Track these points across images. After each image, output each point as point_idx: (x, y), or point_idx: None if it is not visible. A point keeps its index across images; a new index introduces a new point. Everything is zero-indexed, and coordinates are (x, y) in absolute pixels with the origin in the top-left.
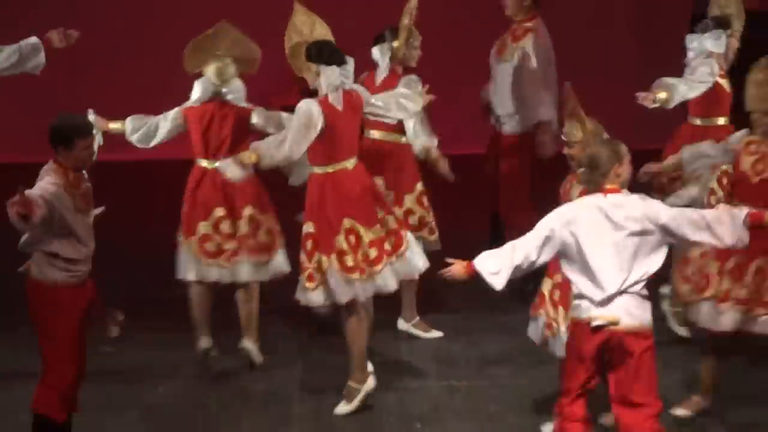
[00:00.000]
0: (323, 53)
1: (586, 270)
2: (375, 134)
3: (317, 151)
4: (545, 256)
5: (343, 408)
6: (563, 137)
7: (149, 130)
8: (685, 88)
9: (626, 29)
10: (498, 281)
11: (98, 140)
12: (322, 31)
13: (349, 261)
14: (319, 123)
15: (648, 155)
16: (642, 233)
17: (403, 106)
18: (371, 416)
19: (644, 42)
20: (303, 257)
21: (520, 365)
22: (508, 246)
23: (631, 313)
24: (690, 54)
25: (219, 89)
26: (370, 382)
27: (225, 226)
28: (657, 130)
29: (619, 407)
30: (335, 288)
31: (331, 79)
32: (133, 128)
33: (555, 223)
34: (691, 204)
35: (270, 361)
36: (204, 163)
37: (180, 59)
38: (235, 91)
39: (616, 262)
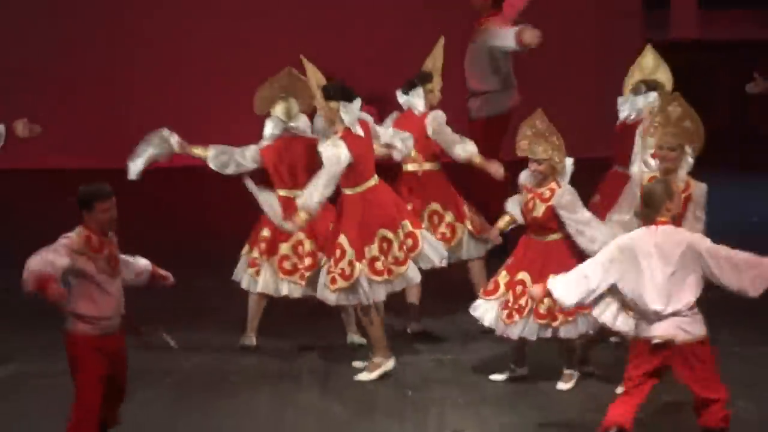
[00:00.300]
0: (344, 92)
1: (641, 294)
2: (426, 166)
3: (349, 177)
4: (606, 283)
5: (364, 376)
6: (530, 156)
7: (228, 160)
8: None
9: (584, 52)
10: (570, 303)
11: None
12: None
13: (380, 265)
14: (348, 160)
15: (599, 162)
16: (685, 260)
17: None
18: (369, 385)
19: (601, 64)
20: (331, 263)
21: (498, 341)
22: (580, 273)
23: (684, 330)
24: (622, 114)
25: (288, 125)
26: (391, 362)
27: (303, 248)
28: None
29: (697, 402)
30: (366, 290)
31: (353, 113)
32: (214, 155)
33: (615, 253)
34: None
35: (283, 342)
36: (283, 192)
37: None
38: (302, 125)
39: (666, 287)
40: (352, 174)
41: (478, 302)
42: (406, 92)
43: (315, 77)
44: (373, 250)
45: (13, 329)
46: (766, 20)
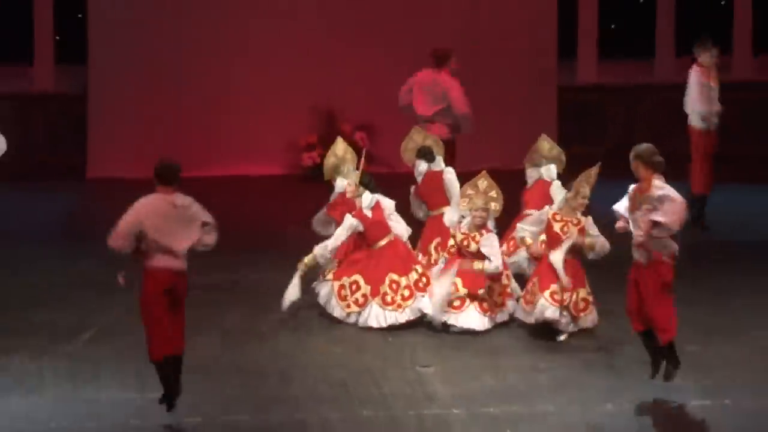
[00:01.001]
0: (370, 185)
1: None
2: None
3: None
4: None
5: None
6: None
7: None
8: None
9: (513, 90)
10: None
11: None
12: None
13: (388, 299)
14: (359, 227)
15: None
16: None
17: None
18: (361, 333)
19: (525, 101)
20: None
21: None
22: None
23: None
24: (530, 182)
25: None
26: None
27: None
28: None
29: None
30: (374, 315)
31: (368, 200)
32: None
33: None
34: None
35: (296, 312)
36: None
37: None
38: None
39: None
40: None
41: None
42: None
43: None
44: (384, 287)
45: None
46: (649, 69)
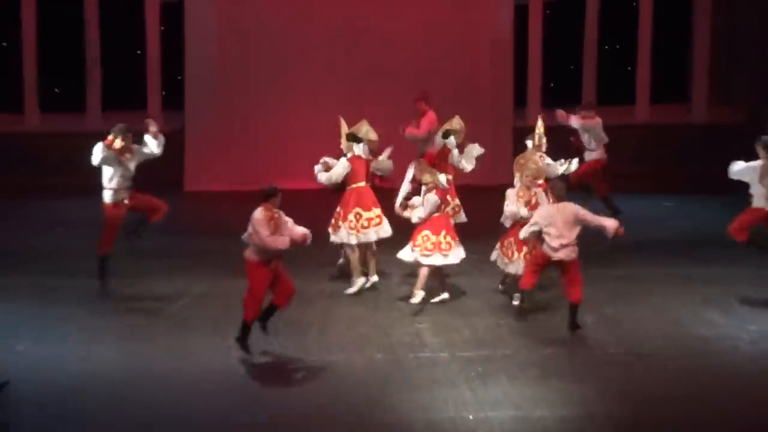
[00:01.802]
0: (356, 138)
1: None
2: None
3: (350, 178)
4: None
5: (350, 290)
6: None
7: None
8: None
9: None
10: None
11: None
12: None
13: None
14: (348, 168)
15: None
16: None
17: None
18: (371, 299)
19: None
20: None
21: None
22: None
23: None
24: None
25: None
26: (362, 280)
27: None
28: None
29: (570, 288)
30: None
31: (359, 148)
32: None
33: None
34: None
35: (323, 286)
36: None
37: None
38: (365, 152)
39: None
40: (351, 176)
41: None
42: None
43: (344, 129)
44: (350, 217)
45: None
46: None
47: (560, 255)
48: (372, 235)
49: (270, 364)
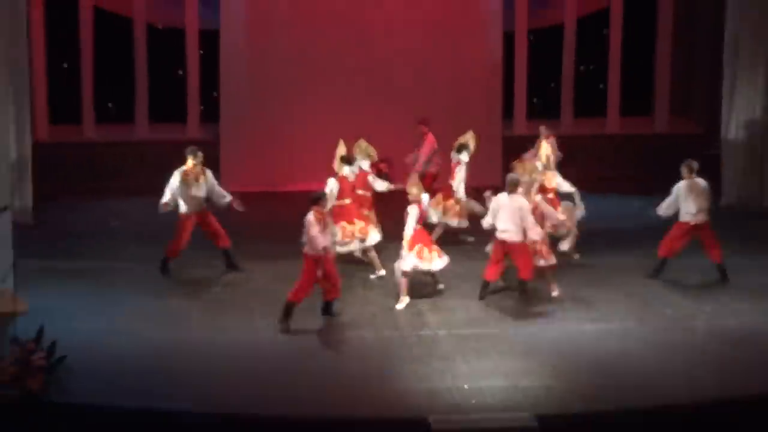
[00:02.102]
0: (348, 160)
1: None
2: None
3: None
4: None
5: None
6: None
7: None
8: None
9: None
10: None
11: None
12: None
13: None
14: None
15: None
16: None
17: None
18: (383, 283)
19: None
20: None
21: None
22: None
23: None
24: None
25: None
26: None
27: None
28: None
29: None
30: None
31: (348, 170)
32: None
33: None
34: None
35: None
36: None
37: None
38: (355, 171)
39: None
40: (338, 194)
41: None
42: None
43: (340, 150)
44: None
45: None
46: (557, 125)
47: (504, 237)
48: (353, 246)
49: (292, 340)
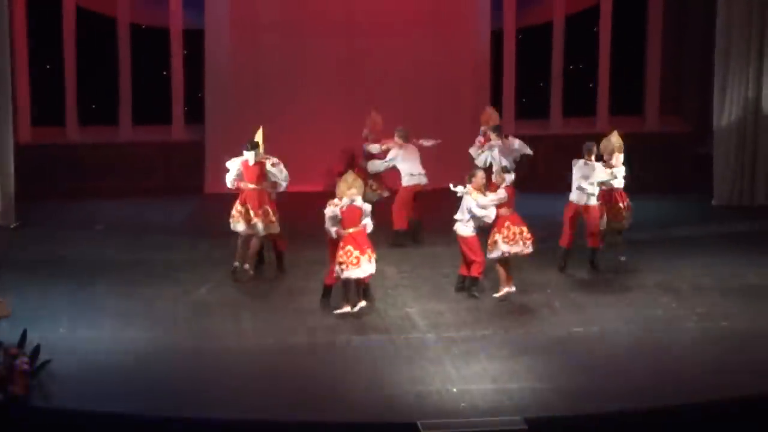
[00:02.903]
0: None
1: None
2: None
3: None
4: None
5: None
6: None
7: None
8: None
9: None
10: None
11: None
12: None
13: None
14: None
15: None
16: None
17: None
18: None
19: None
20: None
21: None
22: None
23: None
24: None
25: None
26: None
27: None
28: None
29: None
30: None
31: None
32: None
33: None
34: None
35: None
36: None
37: None
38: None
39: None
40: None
41: None
42: None
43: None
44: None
45: None
46: (546, 124)
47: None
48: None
49: (279, 344)
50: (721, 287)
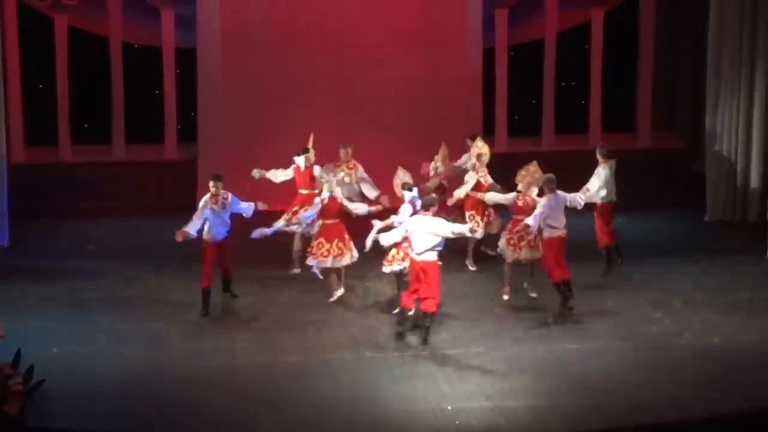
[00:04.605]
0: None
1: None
2: None
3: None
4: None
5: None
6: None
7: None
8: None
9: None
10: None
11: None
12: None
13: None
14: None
15: None
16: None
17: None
18: (366, 304)
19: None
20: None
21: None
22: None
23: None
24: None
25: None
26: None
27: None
28: None
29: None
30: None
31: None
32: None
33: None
34: None
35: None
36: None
37: None
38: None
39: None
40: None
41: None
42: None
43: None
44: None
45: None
46: (538, 142)
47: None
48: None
49: (271, 363)
50: (714, 304)
